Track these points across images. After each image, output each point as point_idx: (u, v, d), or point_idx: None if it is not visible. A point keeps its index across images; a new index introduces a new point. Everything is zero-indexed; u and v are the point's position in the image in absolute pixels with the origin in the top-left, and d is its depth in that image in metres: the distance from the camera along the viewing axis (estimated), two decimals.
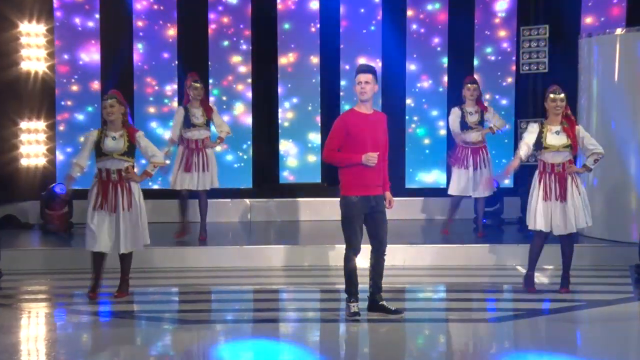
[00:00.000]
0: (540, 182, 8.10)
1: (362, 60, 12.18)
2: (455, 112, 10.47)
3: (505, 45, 12.45)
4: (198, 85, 10.15)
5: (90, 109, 12.21)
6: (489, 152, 10.54)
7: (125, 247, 8.01)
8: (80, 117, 12.24)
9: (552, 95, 8.04)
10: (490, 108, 10.69)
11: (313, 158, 12.51)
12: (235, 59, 12.46)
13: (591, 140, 8.14)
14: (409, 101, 12.49)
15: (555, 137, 8.02)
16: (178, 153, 10.16)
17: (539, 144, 8.07)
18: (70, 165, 8.15)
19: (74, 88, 12.22)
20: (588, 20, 11.97)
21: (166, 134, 10.46)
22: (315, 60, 12.45)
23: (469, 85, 10.50)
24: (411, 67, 12.50)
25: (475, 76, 11.30)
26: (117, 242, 7.97)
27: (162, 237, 10.16)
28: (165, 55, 12.33)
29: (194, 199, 10.37)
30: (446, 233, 10.53)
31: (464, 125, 10.42)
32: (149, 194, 11.05)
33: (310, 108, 12.51)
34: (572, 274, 8.29)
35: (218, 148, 10.98)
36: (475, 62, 12.44)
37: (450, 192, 10.56)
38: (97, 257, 8.01)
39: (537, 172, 8.18)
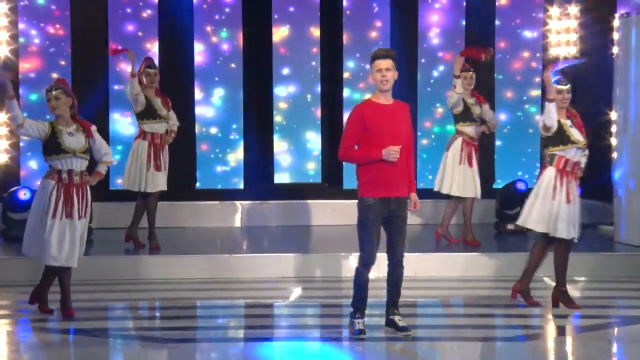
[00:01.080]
0: (562, 182, 8.02)
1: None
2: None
3: (532, 24, 12.51)
4: (152, 71, 10.08)
5: None
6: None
7: (79, 260, 7.84)
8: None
9: (558, 87, 7.98)
10: (487, 103, 10.51)
11: (312, 156, 12.52)
12: (223, 34, 12.54)
13: None
14: (423, 87, 12.52)
15: (575, 132, 8.04)
16: (139, 149, 10.03)
17: (562, 138, 7.98)
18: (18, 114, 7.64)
19: (40, 75, 12.21)
20: None
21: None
22: (315, 32, 12.49)
23: (465, 72, 10.14)
24: (427, 42, 12.56)
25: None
26: (72, 255, 7.75)
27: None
28: (140, 34, 12.39)
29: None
30: (456, 241, 10.39)
31: (470, 118, 10.24)
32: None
33: (309, 98, 12.56)
34: (606, 286, 8.30)
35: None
36: (499, 44, 12.47)
37: (455, 192, 10.28)
38: (57, 271, 7.84)
39: (552, 169, 8.04)
